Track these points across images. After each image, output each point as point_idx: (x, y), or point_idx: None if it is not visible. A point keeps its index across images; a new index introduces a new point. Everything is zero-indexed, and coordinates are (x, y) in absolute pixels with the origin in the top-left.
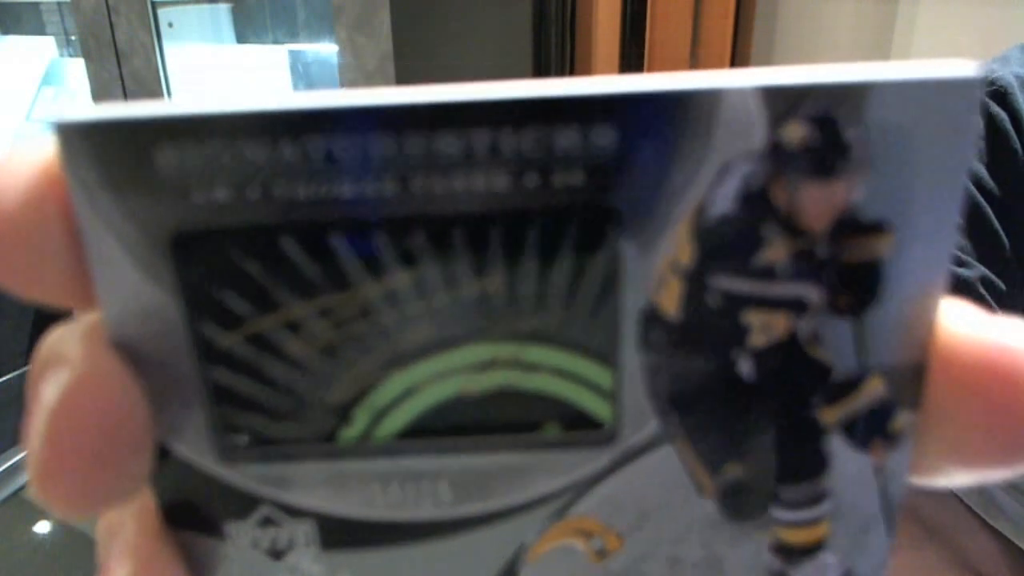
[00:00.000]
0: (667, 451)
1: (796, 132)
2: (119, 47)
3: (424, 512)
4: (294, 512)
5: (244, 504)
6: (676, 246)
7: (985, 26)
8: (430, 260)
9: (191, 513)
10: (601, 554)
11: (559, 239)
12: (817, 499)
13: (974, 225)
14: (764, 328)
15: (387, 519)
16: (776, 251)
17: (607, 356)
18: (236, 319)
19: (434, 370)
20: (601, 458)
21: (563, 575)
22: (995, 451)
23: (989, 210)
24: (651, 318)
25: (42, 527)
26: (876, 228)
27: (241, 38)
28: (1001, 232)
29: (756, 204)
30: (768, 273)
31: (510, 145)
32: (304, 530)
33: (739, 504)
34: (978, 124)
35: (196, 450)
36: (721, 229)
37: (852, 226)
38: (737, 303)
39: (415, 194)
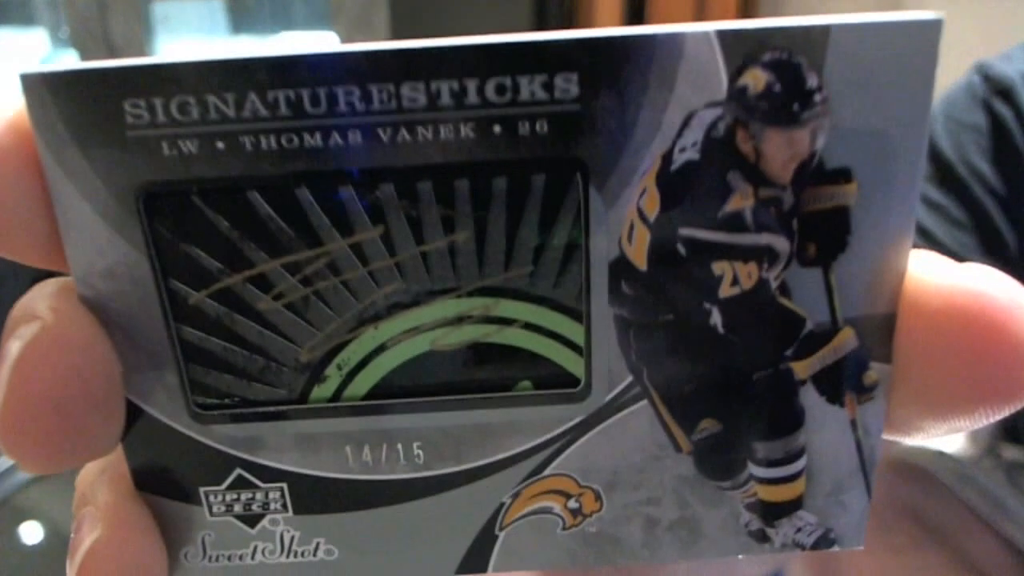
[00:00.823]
0: (642, 408)
1: (758, 78)
2: (112, 41)
3: (397, 473)
4: (267, 474)
5: (218, 467)
6: (643, 196)
7: (990, 24)
8: (398, 214)
9: (165, 478)
10: (577, 514)
11: (526, 191)
12: (794, 456)
13: (977, 223)
14: (734, 278)
15: (360, 479)
16: (742, 200)
17: (579, 310)
18: (205, 276)
19: (405, 326)
20: (575, 415)
21: (540, 541)
22: (968, 398)
23: (993, 207)
24: (621, 269)
25: (33, 537)
26: (840, 176)
27: (235, 32)
28: (1004, 230)
29: (721, 152)
30: (735, 222)
31: (475, 94)
32: (278, 494)
33: (716, 461)
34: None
35: (168, 412)
36: (687, 178)
37: (817, 175)
38: (705, 253)
39: (382, 144)
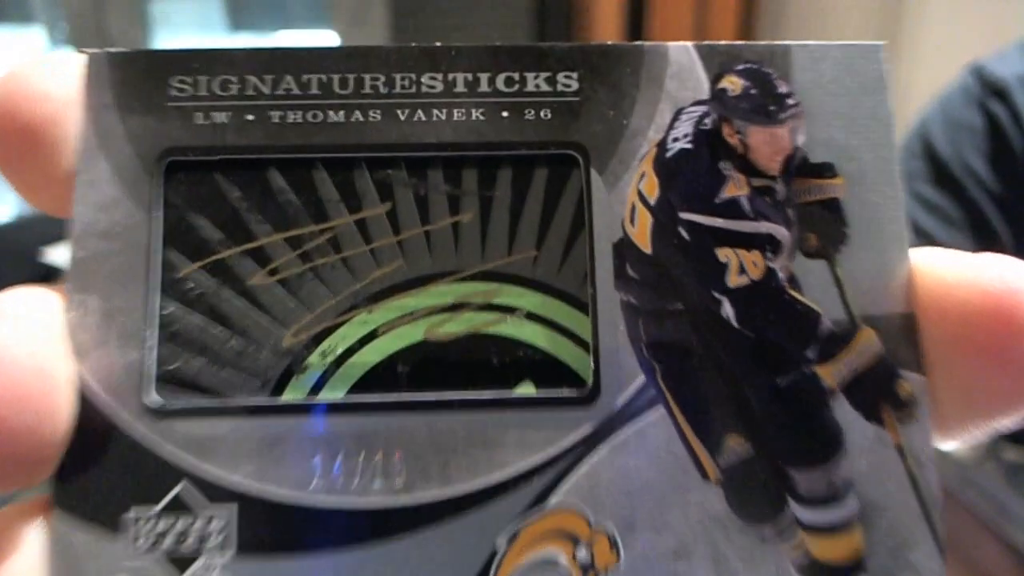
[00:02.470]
0: (659, 417)
1: (735, 82)
2: (110, 39)
3: (371, 496)
4: (214, 492)
5: (159, 479)
6: (643, 180)
7: (994, 20)
8: (406, 191)
9: (92, 491)
10: (588, 571)
11: (530, 173)
12: (839, 491)
13: (973, 221)
14: (740, 267)
15: (325, 505)
16: (736, 188)
17: (585, 302)
18: (203, 247)
19: (401, 310)
20: (582, 424)
21: None
22: (1011, 394)
23: (988, 206)
24: (625, 251)
25: None
26: (826, 170)
27: (233, 30)
28: (999, 228)
29: (711, 143)
30: (733, 208)
31: (487, 84)
32: (221, 524)
33: (750, 494)
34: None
35: (120, 399)
36: (682, 164)
37: (804, 168)
38: (707, 237)
39: (399, 122)
